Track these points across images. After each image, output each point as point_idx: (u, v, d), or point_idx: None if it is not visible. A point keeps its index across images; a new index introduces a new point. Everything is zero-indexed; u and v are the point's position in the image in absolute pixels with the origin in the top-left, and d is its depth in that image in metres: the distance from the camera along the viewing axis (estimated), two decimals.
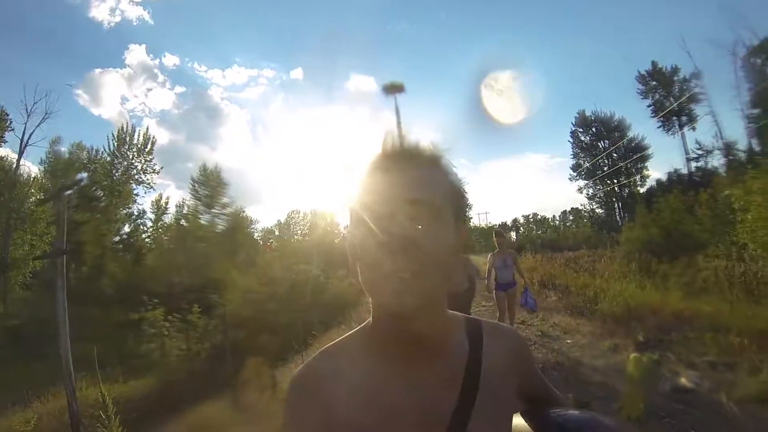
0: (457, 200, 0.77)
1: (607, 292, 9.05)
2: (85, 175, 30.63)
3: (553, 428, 0.91)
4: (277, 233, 38.65)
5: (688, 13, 48.98)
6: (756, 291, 7.02)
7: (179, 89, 67.95)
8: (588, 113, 45.88)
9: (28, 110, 27.09)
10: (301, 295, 15.10)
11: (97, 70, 57.60)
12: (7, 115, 27.36)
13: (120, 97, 65.36)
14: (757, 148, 23.88)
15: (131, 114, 59.95)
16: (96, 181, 31.10)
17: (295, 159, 76.38)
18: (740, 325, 5.55)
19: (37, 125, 27.65)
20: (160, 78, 69.21)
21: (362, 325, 0.86)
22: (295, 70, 74.15)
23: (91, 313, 21.46)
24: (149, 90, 65.96)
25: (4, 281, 23.06)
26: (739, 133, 30.08)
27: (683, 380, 4.56)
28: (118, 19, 54.24)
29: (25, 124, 27.26)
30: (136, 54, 62.62)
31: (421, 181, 0.73)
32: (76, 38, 59.63)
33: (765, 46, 23.48)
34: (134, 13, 60.84)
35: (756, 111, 24.17)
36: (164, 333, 10.88)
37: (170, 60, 64.82)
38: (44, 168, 28.96)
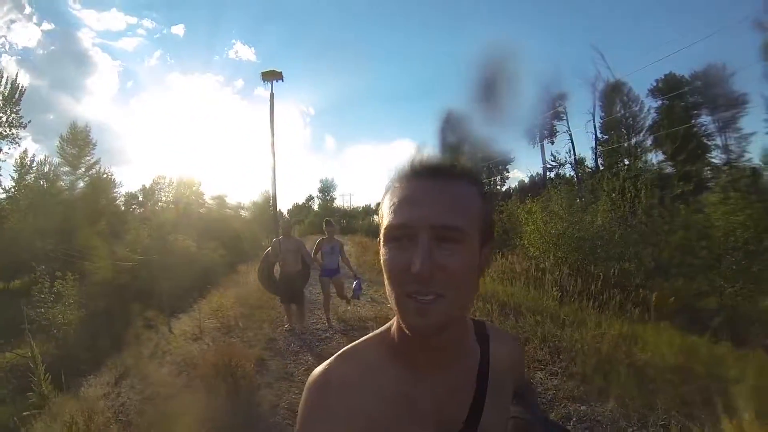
0: (484, 222, 0.79)
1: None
2: None
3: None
4: (140, 198, 37.29)
5: (562, 42, 55.29)
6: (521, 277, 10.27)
7: (47, 26, 59.79)
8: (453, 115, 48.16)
9: None
10: (176, 263, 16.31)
11: None
12: None
13: None
14: (601, 166, 30.44)
15: None
16: None
17: (165, 122, 72.53)
18: (500, 299, 8.57)
19: None
20: (27, 9, 59.17)
21: (381, 329, 0.92)
22: (177, 26, 70.70)
23: None
24: (12, 22, 57.89)
25: None
26: (587, 152, 36.46)
27: None
28: None
29: None
30: None
31: (451, 205, 0.75)
32: None
33: (617, 87, 29.71)
34: None
35: (604, 136, 30.75)
36: (44, 300, 11.72)
37: None
38: None
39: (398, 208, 0.75)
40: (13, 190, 29.66)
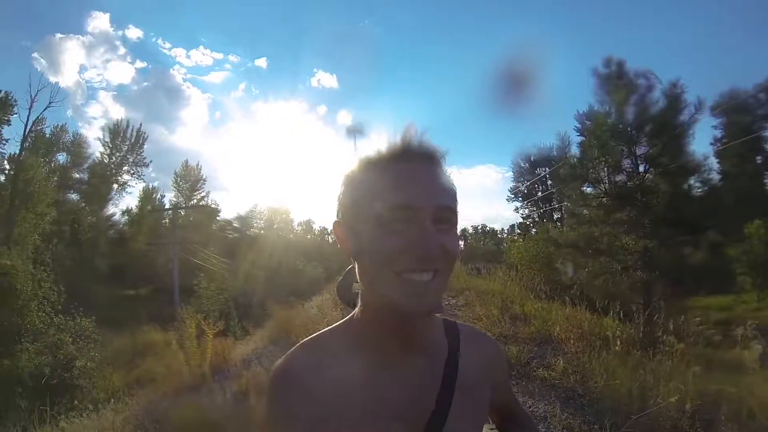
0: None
1: (469, 283, 17.30)
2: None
3: None
4: (236, 225, 42.17)
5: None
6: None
7: (140, 64, 64.09)
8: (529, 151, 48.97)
9: (32, 97, 29.93)
10: (288, 277, 23.47)
11: (58, 35, 53.56)
12: (15, 101, 28.89)
13: (78, 65, 66.19)
14: None
15: (88, 85, 59.61)
16: (76, 165, 36.48)
17: (251, 150, 78.67)
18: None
19: (41, 112, 31.43)
20: (122, 51, 66.47)
21: (344, 319, 0.95)
22: (260, 59, 73.97)
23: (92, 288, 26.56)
24: (108, 61, 61.02)
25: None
26: None
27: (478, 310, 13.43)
28: None
29: (29, 109, 30.02)
30: (99, 22, 58.01)
31: (446, 187, 0.81)
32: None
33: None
34: None
35: None
36: (206, 295, 19.12)
37: (133, 33, 62.04)
38: (28, 147, 31.09)
39: (402, 189, 0.77)
40: (136, 216, 38.15)
